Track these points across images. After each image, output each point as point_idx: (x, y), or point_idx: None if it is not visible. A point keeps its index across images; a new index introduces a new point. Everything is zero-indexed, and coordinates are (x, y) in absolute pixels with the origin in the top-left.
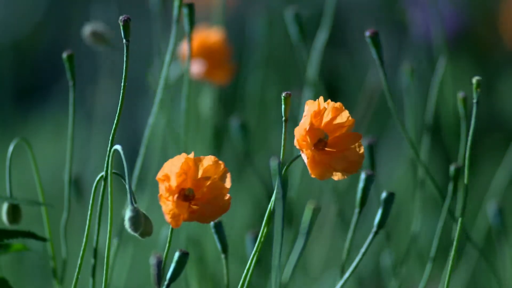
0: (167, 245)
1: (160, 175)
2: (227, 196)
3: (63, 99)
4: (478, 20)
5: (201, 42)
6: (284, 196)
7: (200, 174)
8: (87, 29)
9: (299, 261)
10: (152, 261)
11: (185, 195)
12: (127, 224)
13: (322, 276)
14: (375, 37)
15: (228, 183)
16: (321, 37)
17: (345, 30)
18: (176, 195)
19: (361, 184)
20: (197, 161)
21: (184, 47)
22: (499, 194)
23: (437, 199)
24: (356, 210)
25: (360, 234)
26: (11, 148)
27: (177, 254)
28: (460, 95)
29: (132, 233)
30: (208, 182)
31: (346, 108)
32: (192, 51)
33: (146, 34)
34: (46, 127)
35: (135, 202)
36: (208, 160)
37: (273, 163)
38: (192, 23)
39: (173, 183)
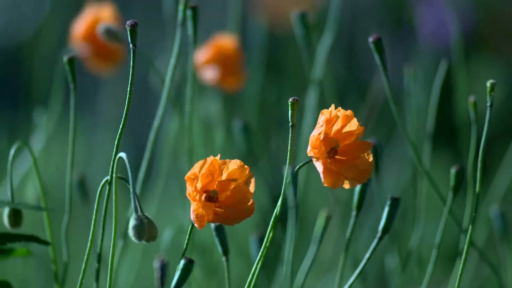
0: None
1: (189, 174)
2: (251, 200)
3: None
4: (485, 23)
5: (216, 49)
6: (297, 205)
7: (224, 177)
8: (101, 27)
9: (300, 263)
10: (156, 264)
11: (209, 197)
12: (131, 232)
13: (326, 277)
14: (378, 43)
15: (252, 188)
16: (326, 40)
17: (351, 32)
18: (202, 196)
19: (357, 187)
20: (222, 164)
21: (199, 54)
22: (500, 197)
23: (440, 203)
24: (353, 213)
25: (365, 235)
26: (12, 151)
27: (182, 262)
28: (471, 98)
29: (136, 241)
30: (233, 185)
31: (353, 111)
32: (207, 57)
33: (144, 35)
34: (53, 131)
35: (140, 209)
36: (233, 164)
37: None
38: (195, 26)
39: (199, 183)
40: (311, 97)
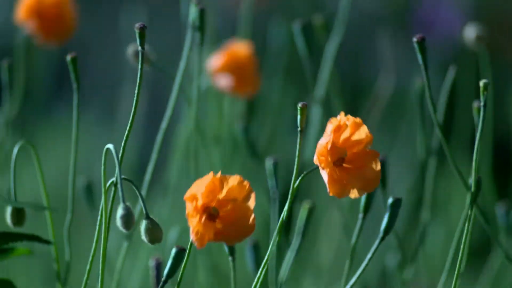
0: None
1: (187, 194)
2: (252, 217)
3: (82, 103)
4: (484, 22)
5: (229, 57)
6: (279, 197)
7: (224, 193)
8: (131, 49)
9: (302, 263)
10: (151, 263)
11: (210, 214)
12: (118, 222)
13: (327, 279)
14: (422, 43)
15: (252, 203)
16: (333, 44)
17: (352, 34)
18: (202, 215)
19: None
20: (222, 180)
21: (214, 61)
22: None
23: (445, 205)
24: (360, 216)
25: (367, 236)
26: (15, 150)
27: (173, 251)
28: (475, 104)
29: (124, 231)
30: (232, 204)
31: (355, 114)
32: (221, 64)
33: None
34: (64, 130)
35: (146, 212)
36: (233, 180)
37: (268, 163)
38: (202, 29)
39: (200, 202)
40: (317, 99)
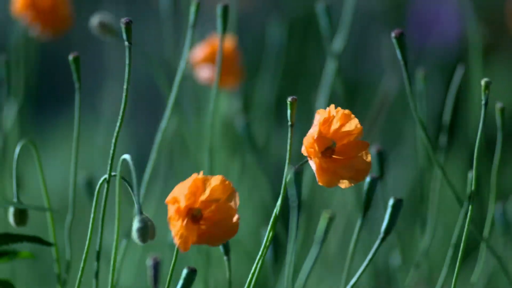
0: None
1: (169, 198)
2: (236, 217)
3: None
4: (483, 21)
5: (212, 48)
6: (299, 206)
7: (207, 194)
8: (95, 20)
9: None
10: (149, 262)
11: (193, 215)
12: (134, 235)
13: (329, 277)
14: (400, 38)
15: (236, 203)
16: (338, 42)
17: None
18: (185, 218)
19: (365, 187)
20: (205, 181)
21: (196, 53)
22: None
23: (447, 205)
24: (361, 214)
25: (368, 236)
26: (17, 149)
27: (184, 272)
28: (498, 105)
29: (139, 243)
30: (215, 203)
31: (358, 113)
32: (203, 56)
33: (157, 36)
34: (62, 132)
35: (142, 211)
36: (215, 180)
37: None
38: (225, 25)
39: (182, 204)
40: (321, 97)
